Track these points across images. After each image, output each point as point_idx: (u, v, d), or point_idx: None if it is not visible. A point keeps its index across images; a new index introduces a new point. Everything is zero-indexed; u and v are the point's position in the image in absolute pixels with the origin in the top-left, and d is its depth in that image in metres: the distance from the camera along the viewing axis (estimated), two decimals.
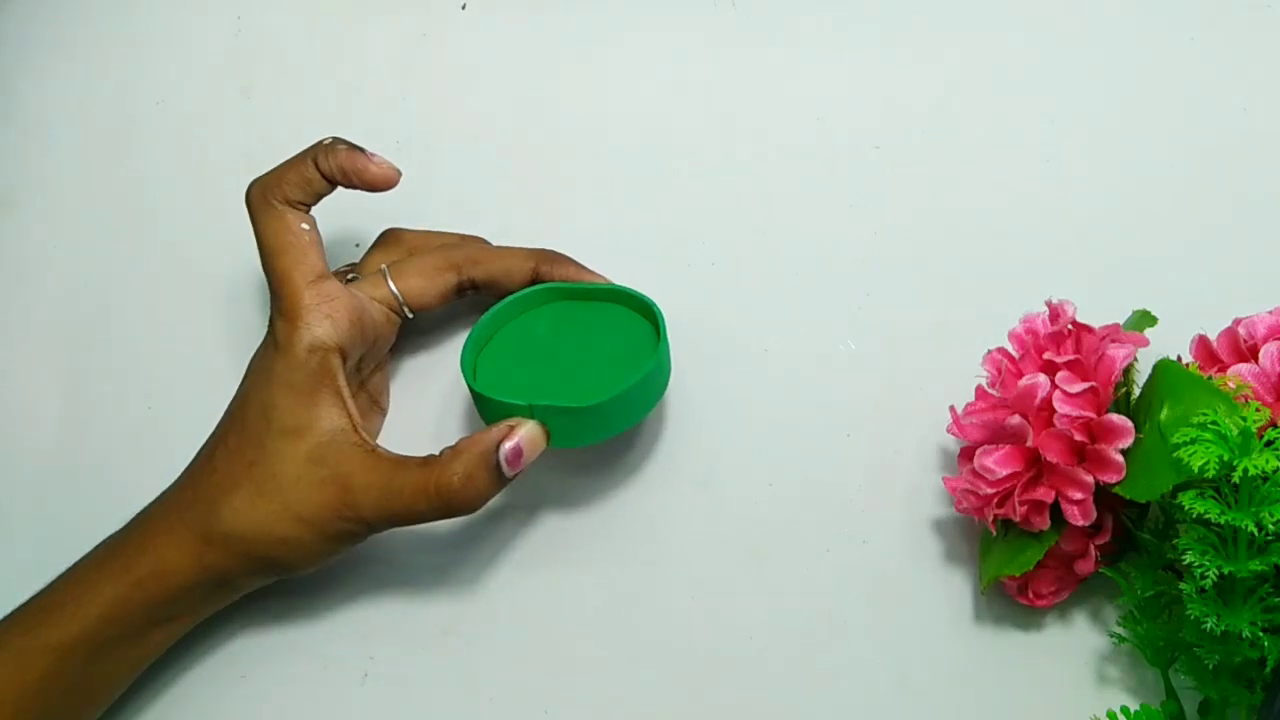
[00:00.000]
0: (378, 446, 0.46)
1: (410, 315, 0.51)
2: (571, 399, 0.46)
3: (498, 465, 0.44)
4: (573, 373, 0.48)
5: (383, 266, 0.50)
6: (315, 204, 0.48)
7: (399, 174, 0.48)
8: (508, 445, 0.45)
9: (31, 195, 0.58)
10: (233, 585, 0.47)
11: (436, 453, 0.45)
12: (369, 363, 0.51)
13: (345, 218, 0.56)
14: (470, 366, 0.48)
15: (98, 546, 0.47)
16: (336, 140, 0.47)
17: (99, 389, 0.55)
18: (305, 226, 0.47)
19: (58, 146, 0.59)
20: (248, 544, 0.45)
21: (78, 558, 0.46)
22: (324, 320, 0.46)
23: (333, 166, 0.47)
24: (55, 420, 0.54)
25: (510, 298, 0.50)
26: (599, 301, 0.51)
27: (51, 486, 0.53)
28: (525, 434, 0.45)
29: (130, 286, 0.56)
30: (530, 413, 0.46)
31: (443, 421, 0.53)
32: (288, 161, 0.47)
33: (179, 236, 0.57)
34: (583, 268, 0.51)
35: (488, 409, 0.47)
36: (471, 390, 0.48)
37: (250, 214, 0.47)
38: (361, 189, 0.48)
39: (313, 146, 0.47)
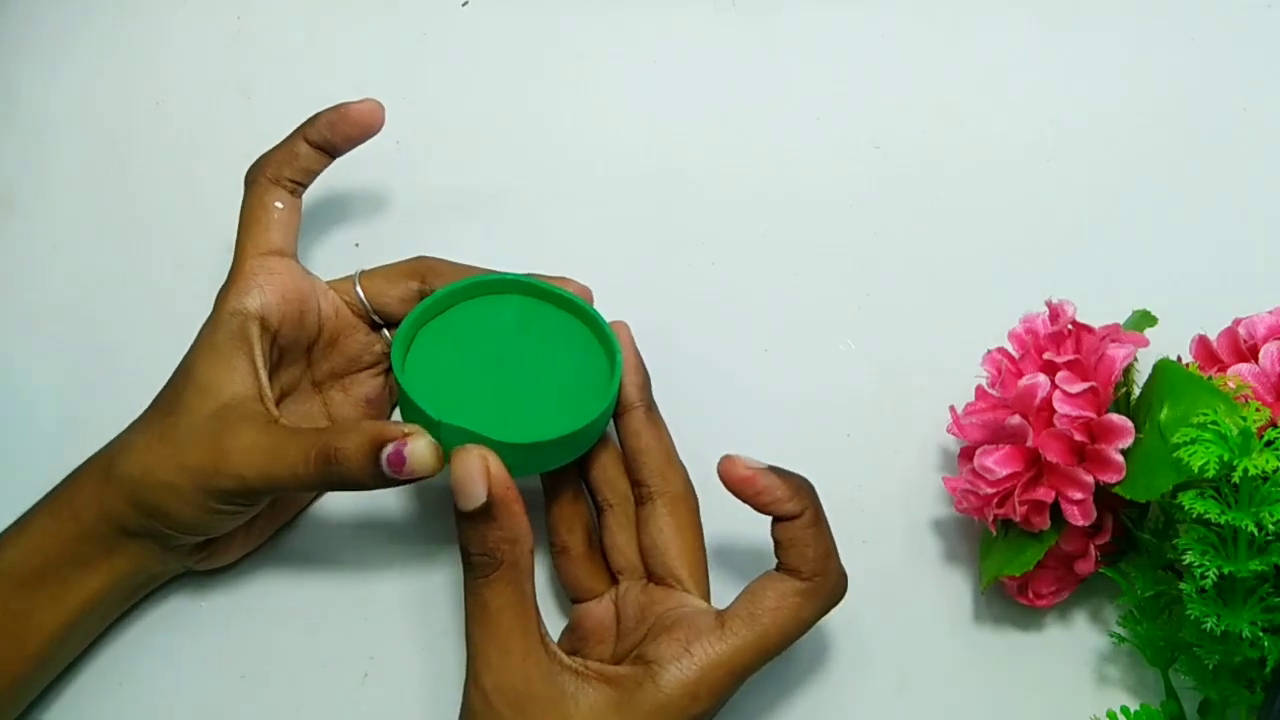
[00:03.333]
0: (280, 419, 0.45)
1: (375, 316, 0.50)
2: (490, 426, 0.43)
3: (378, 459, 0.42)
4: (508, 392, 0.46)
5: (358, 269, 0.50)
6: (308, 182, 0.49)
7: (382, 106, 0.49)
8: (391, 448, 0.42)
9: (31, 195, 0.58)
10: (121, 540, 0.46)
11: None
12: (323, 363, 0.50)
13: (345, 218, 0.56)
14: (403, 344, 0.46)
15: None
16: (319, 112, 0.49)
17: (99, 389, 0.55)
18: (279, 205, 0.48)
19: (58, 146, 0.59)
20: (135, 485, 0.45)
21: None
22: (253, 289, 0.47)
23: (320, 130, 0.49)
24: (55, 420, 0.54)
25: (480, 277, 0.48)
26: (565, 312, 0.48)
27: (51, 486, 0.53)
28: (415, 447, 0.42)
29: (130, 286, 0.56)
30: (437, 429, 0.43)
31: None
32: (281, 141, 0.49)
33: (179, 236, 0.56)
34: (562, 279, 0.49)
35: (403, 399, 0.45)
36: (395, 368, 0.45)
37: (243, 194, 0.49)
38: (356, 139, 0.49)
39: (299, 126, 0.49)
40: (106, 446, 0.47)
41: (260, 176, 0.48)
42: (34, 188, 0.58)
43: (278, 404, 0.47)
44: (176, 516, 0.45)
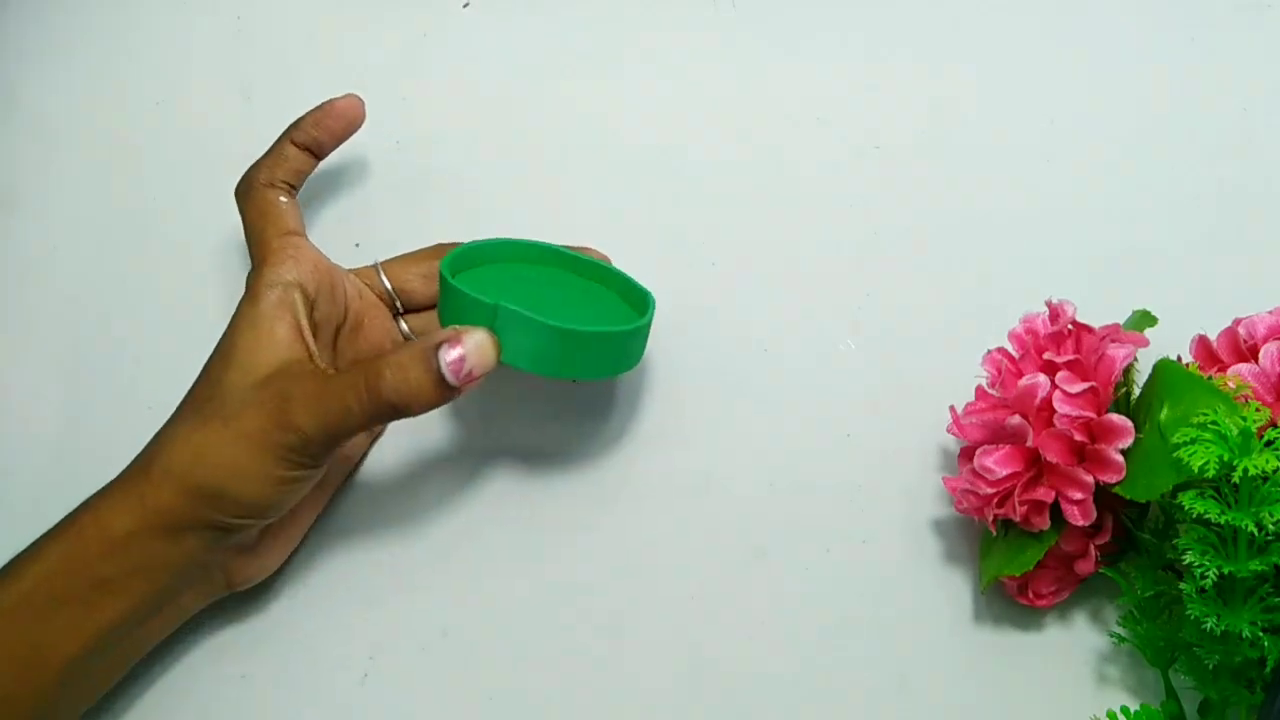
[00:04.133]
0: (330, 368, 0.45)
1: (399, 304, 0.51)
2: (542, 314, 0.44)
3: (438, 369, 0.42)
4: (552, 308, 0.46)
5: (376, 260, 0.51)
6: (299, 184, 0.50)
7: (361, 100, 0.52)
8: (452, 351, 0.42)
9: (31, 195, 0.58)
10: (179, 536, 0.44)
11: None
12: (348, 349, 0.50)
13: (346, 219, 0.56)
14: (449, 262, 0.47)
15: None
16: (301, 116, 0.51)
17: (99, 389, 0.55)
18: (284, 199, 0.49)
19: (58, 146, 0.59)
20: (187, 470, 0.43)
21: None
22: (288, 261, 0.47)
23: (306, 132, 0.50)
24: (56, 420, 0.54)
25: (514, 240, 0.49)
26: (597, 282, 0.51)
27: (51, 486, 0.53)
28: (472, 339, 0.42)
29: (130, 286, 0.56)
30: (493, 314, 0.43)
31: (446, 441, 0.53)
32: (267, 150, 0.50)
33: (179, 236, 0.56)
34: (583, 247, 0.51)
35: (450, 303, 0.45)
36: (441, 280, 0.45)
37: (237, 205, 0.49)
38: (340, 134, 0.51)
39: (284, 131, 0.50)
40: (135, 461, 0.45)
41: (255, 183, 0.49)
42: (34, 188, 0.58)
43: None
44: (237, 493, 0.43)
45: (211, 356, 0.46)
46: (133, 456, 0.53)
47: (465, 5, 0.60)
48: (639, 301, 0.50)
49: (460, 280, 0.47)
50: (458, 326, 0.43)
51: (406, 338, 0.52)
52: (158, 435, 0.46)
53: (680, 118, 0.57)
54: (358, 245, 0.56)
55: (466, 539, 0.51)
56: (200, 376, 0.46)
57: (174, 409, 0.46)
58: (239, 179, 0.50)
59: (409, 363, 0.42)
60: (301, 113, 0.51)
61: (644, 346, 0.49)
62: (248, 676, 0.50)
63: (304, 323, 0.46)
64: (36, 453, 0.54)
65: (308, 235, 0.50)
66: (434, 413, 0.53)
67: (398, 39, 0.59)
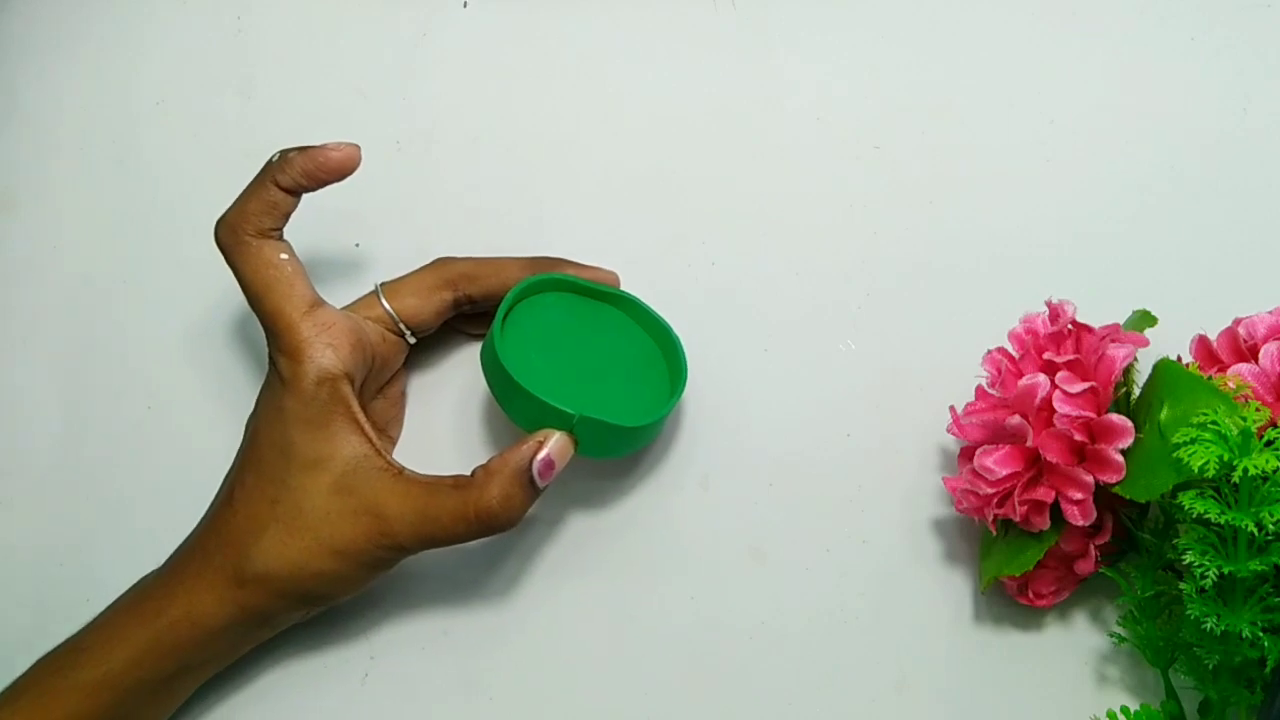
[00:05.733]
0: (404, 469, 0.45)
1: (411, 337, 0.50)
2: (613, 414, 0.46)
3: (532, 481, 0.45)
4: (594, 377, 0.49)
5: (376, 285, 0.50)
6: (285, 225, 0.47)
7: (359, 149, 0.46)
8: (539, 458, 0.45)
9: (31, 195, 0.58)
10: (271, 622, 0.47)
11: (466, 472, 0.45)
12: (370, 387, 0.50)
13: (346, 219, 0.56)
14: (497, 346, 0.46)
15: (130, 590, 0.46)
16: (284, 152, 0.46)
17: (99, 389, 0.55)
18: (284, 256, 0.46)
19: (58, 146, 0.59)
20: (283, 582, 0.45)
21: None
22: (326, 349, 0.45)
23: (294, 177, 0.45)
24: (55, 420, 0.54)
25: (521, 285, 0.48)
26: (602, 303, 0.51)
27: (52, 487, 0.53)
28: (556, 446, 0.45)
29: (130, 286, 0.56)
30: (571, 421, 0.45)
31: (452, 438, 0.53)
32: (246, 191, 0.46)
33: (179, 236, 0.56)
34: (583, 266, 0.51)
35: (525, 403, 0.46)
36: (506, 378, 0.46)
37: (224, 255, 0.46)
38: (331, 182, 0.46)
39: (264, 169, 0.46)
40: (212, 542, 0.45)
41: (243, 235, 0.46)
42: (34, 188, 0.58)
43: None
44: (333, 595, 0.46)
45: (257, 448, 0.46)
46: (132, 456, 0.53)
47: (465, 5, 0.60)
48: (658, 330, 0.51)
49: (507, 338, 0.47)
50: (541, 435, 0.45)
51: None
52: (238, 533, 0.45)
53: (680, 118, 0.57)
54: (357, 245, 0.56)
55: None
56: (251, 468, 0.45)
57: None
58: (218, 222, 0.46)
59: (513, 490, 0.44)
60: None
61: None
62: (248, 676, 0.50)
63: (360, 417, 0.46)
64: (37, 453, 0.54)
65: (301, 238, 0.49)
66: (435, 414, 0.53)
67: (398, 39, 0.59)
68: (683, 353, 0.50)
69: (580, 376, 0.48)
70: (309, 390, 0.45)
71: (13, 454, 0.54)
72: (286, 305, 0.45)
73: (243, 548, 0.45)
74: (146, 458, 0.53)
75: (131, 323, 0.56)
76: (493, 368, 0.47)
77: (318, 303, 0.46)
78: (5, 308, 0.56)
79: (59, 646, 0.45)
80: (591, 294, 0.51)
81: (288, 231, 0.48)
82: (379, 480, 0.45)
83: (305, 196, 0.48)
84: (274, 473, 0.45)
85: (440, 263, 0.50)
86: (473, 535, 0.45)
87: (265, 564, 0.44)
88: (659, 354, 0.51)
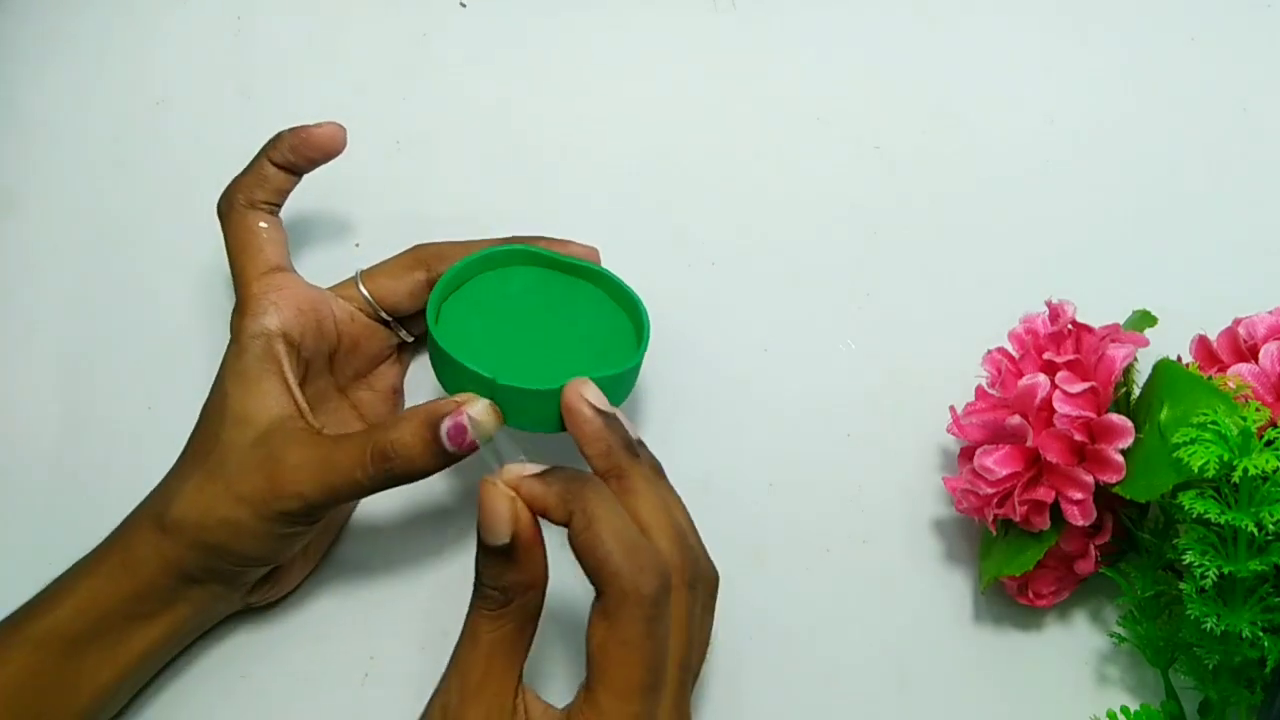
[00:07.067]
0: (323, 429, 0.45)
1: (387, 319, 0.50)
2: (538, 380, 0.43)
3: (438, 438, 0.43)
4: (541, 348, 0.47)
5: (357, 271, 0.50)
6: (281, 201, 0.49)
7: (343, 130, 0.49)
8: (449, 423, 0.42)
9: (31, 195, 0.58)
10: (192, 579, 0.46)
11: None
12: (345, 368, 0.50)
13: (346, 219, 0.56)
14: (434, 312, 0.46)
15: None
16: (280, 132, 0.49)
17: (99, 389, 0.55)
18: (264, 224, 0.48)
19: (58, 146, 0.59)
20: (193, 528, 0.45)
21: (77, 558, 0.46)
22: (269, 308, 0.46)
23: (283, 152, 0.48)
24: (55, 421, 0.54)
25: (483, 251, 0.48)
26: (577, 278, 0.49)
27: (52, 487, 0.53)
28: (476, 409, 0.43)
29: (130, 286, 0.56)
30: (491, 387, 0.43)
31: None
32: (246, 166, 0.49)
33: (179, 236, 0.56)
34: (565, 242, 0.50)
35: (447, 369, 0.45)
36: (432, 342, 0.45)
37: (220, 223, 0.49)
38: (319, 160, 0.49)
39: (263, 147, 0.49)
40: (151, 499, 0.46)
41: (235, 203, 0.48)
42: (34, 188, 0.58)
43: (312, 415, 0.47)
44: (241, 551, 0.45)
45: (207, 404, 0.47)
46: (132, 456, 0.53)
47: (463, 5, 0.60)
48: (628, 303, 0.48)
49: (449, 310, 0.46)
50: (459, 397, 0.44)
51: (403, 341, 0.52)
52: (170, 480, 0.46)
53: (680, 117, 0.57)
54: (357, 245, 0.56)
55: (467, 539, 0.51)
56: (199, 424, 0.47)
57: (176, 444, 0.47)
58: (220, 195, 0.49)
59: (413, 436, 0.43)
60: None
61: (639, 370, 0.48)
62: (248, 677, 0.50)
63: (290, 376, 0.46)
64: (36, 453, 0.54)
65: (302, 239, 0.49)
66: None
67: (398, 39, 0.59)
68: (648, 326, 0.47)
69: (534, 350, 0.47)
70: (245, 344, 0.46)
71: (13, 454, 0.54)
72: (248, 265, 0.47)
73: (167, 494, 0.46)
74: (146, 458, 0.53)
75: (131, 323, 0.56)
76: (428, 333, 0.46)
77: (281, 268, 0.48)
78: (5, 308, 0.56)
79: (20, 606, 0.46)
80: (565, 268, 0.49)
81: (289, 232, 0.48)
82: (294, 436, 0.45)
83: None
84: (211, 426, 0.46)
85: (416, 247, 0.51)
86: (371, 481, 0.43)
87: (181, 509, 0.45)
88: (630, 330, 0.49)
